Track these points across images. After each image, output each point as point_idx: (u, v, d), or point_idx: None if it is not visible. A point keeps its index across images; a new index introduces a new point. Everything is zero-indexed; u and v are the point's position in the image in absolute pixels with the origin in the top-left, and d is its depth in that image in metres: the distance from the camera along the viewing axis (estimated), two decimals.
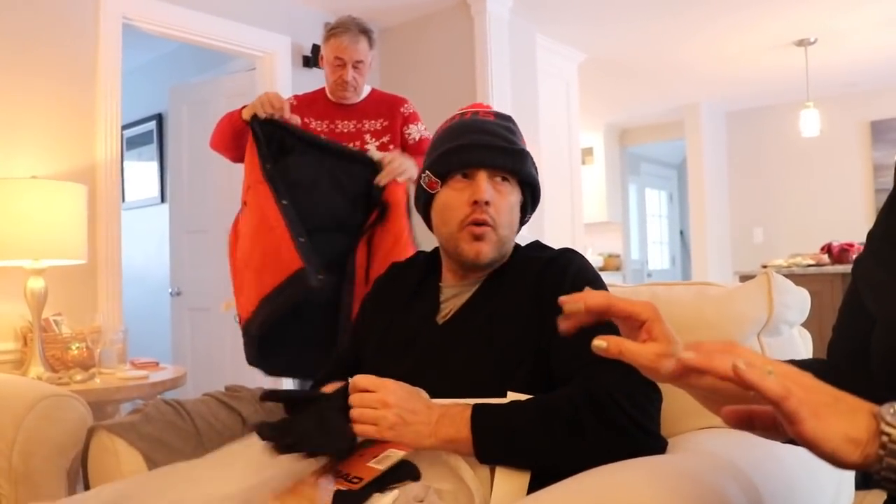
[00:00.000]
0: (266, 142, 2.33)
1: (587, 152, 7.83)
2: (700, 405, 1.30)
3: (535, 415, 1.11)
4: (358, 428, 1.11)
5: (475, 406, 1.13)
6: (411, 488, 1.05)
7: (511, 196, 1.36)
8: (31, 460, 1.93)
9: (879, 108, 6.81)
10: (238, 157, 2.61)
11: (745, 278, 5.41)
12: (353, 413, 1.12)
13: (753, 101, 7.30)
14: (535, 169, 1.41)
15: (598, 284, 1.31)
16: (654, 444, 1.12)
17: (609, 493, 0.89)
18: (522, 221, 1.44)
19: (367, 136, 2.71)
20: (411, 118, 2.77)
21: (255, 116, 2.33)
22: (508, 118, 1.44)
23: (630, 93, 6.94)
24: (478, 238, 1.34)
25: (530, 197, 1.42)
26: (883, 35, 5.27)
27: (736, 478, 0.98)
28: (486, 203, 1.32)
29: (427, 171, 1.40)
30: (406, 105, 2.79)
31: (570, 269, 1.31)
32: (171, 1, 3.65)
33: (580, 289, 1.26)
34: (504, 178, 1.36)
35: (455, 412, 1.12)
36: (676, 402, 1.29)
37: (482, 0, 4.22)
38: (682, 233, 9.96)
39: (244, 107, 2.42)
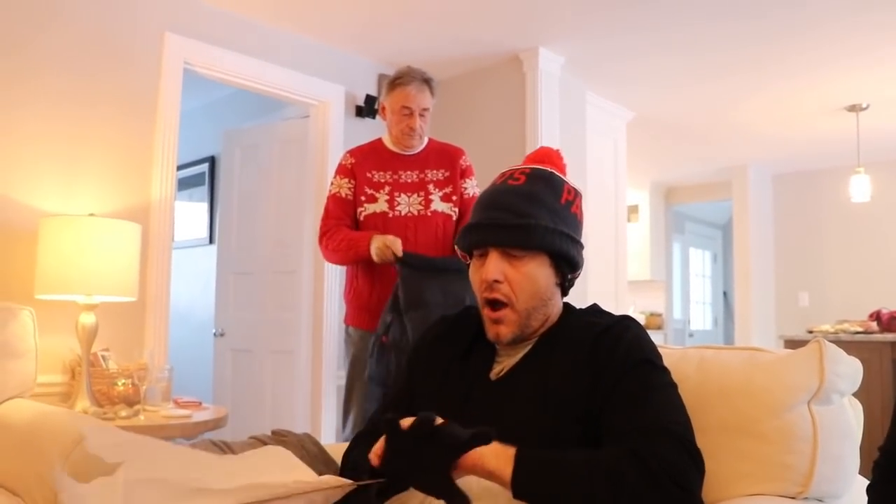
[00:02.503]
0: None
1: (632, 209, 7.82)
2: (740, 472, 1.30)
3: (579, 465, 1.11)
4: None
5: (520, 447, 1.13)
6: None
7: (528, 266, 1.35)
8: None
9: None
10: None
11: (789, 343, 5.34)
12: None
13: (802, 164, 7.25)
14: (554, 231, 1.37)
15: (653, 354, 1.31)
16: None
17: None
18: (565, 283, 1.44)
19: (431, 186, 2.76)
20: (468, 172, 2.84)
21: (401, 261, 2.55)
22: (544, 178, 1.41)
23: (677, 152, 6.95)
24: (495, 322, 1.38)
25: (564, 261, 1.39)
26: None
27: None
28: (497, 281, 1.34)
29: (456, 246, 1.46)
30: (464, 157, 2.86)
31: (626, 337, 1.32)
32: (231, 48, 3.77)
33: (632, 358, 1.27)
34: (522, 250, 1.35)
35: (500, 449, 1.12)
36: (721, 467, 1.28)
37: (534, 56, 4.28)
38: (725, 294, 9.85)
39: (363, 240, 2.65)
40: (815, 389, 1.30)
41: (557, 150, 1.51)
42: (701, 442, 1.18)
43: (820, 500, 1.29)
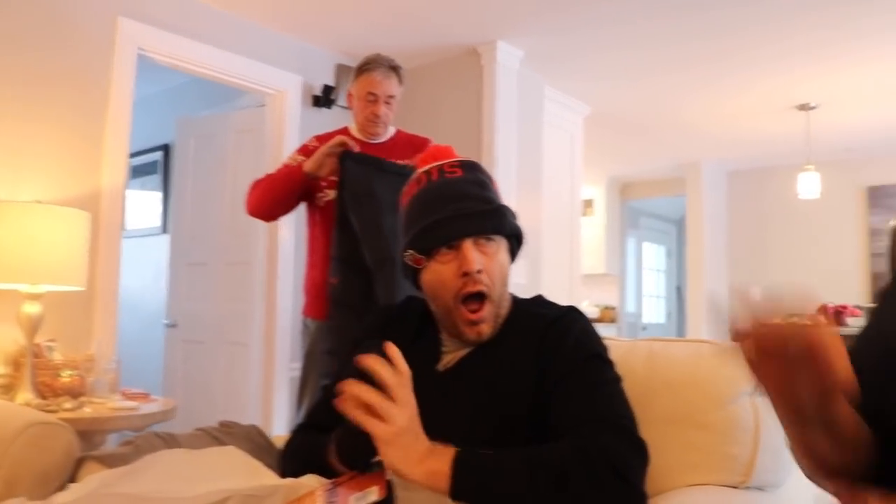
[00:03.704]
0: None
1: (588, 204, 7.89)
2: (685, 463, 1.32)
3: (521, 463, 1.10)
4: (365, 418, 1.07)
5: (459, 449, 1.11)
6: None
7: (499, 254, 1.34)
8: (16, 488, 1.89)
9: (877, 174, 6.90)
10: (279, 217, 2.81)
11: None
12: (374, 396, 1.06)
13: (754, 161, 7.39)
14: (513, 213, 1.38)
15: (600, 347, 1.32)
16: (636, 500, 1.11)
17: None
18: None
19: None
20: None
21: (345, 154, 2.49)
22: (475, 167, 1.40)
23: (633, 148, 7.02)
24: (476, 323, 1.33)
25: (516, 243, 1.41)
26: (882, 103, 5.35)
27: None
28: (479, 272, 1.30)
29: (410, 250, 1.36)
30: (431, 145, 2.82)
31: (574, 330, 1.32)
32: (186, 34, 3.70)
33: (581, 352, 1.28)
34: (489, 238, 1.33)
35: (441, 449, 1.10)
36: (667, 458, 1.30)
37: (493, 50, 4.29)
38: (678, 288, 9.98)
39: (296, 164, 2.60)
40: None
41: (449, 147, 1.47)
42: (647, 433, 1.18)
43: (760, 489, 1.31)
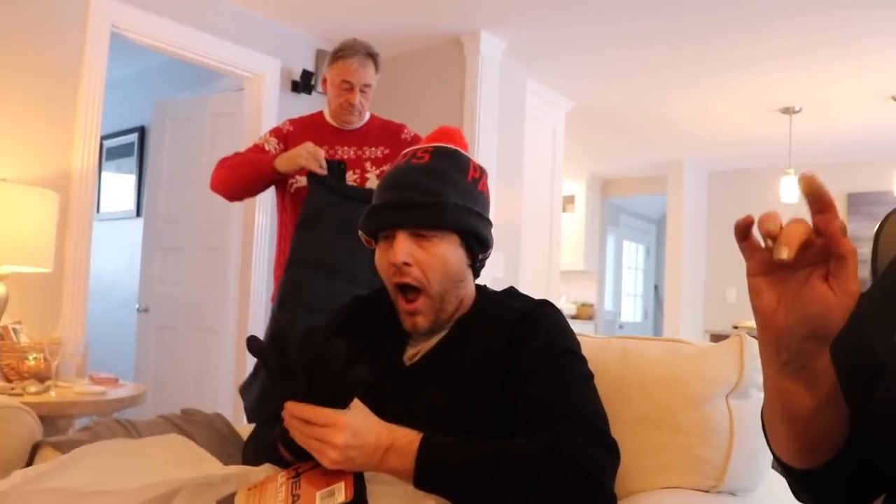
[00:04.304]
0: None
1: (568, 200, 7.88)
2: (656, 465, 1.30)
3: (488, 458, 1.08)
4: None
5: (425, 437, 1.09)
6: None
7: (439, 248, 1.30)
8: None
9: (857, 180, 6.91)
10: (242, 199, 2.79)
11: (715, 337, 5.42)
12: (298, 440, 1.07)
13: (736, 163, 7.40)
14: (475, 209, 1.34)
15: (572, 342, 1.29)
16: (605, 501, 1.09)
17: None
18: (475, 264, 1.39)
19: (368, 164, 2.68)
20: (414, 140, 2.73)
21: (313, 175, 2.42)
22: (448, 156, 1.36)
23: (615, 144, 7.01)
24: (411, 314, 1.32)
25: (474, 240, 1.34)
26: (865, 109, 5.37)
27: None
28: (406, 264, 1.28)
29: (360, 231, 1.37)
30: (406, 131, 2.77)
31: (545, 324, 1.29)
32: (162, 14, 3.63)
33: (552, 347, 1.25)
34: (428, 231, 1.29)
35: (403, 444, 1.08)
36: (638, 459, 1.27)
37: (476, 40, 4.25)
38: (656, 287, 10.01)
39: (267, 157, 2.54)
40: (733, 383, 1.30)
41: (458, 129, 1.46)
42: (618, 433, 1.16)
43: (733, 494, 1.29)
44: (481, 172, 1.39)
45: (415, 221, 1.29)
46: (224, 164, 2.65)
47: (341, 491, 1.07)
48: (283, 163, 2.49)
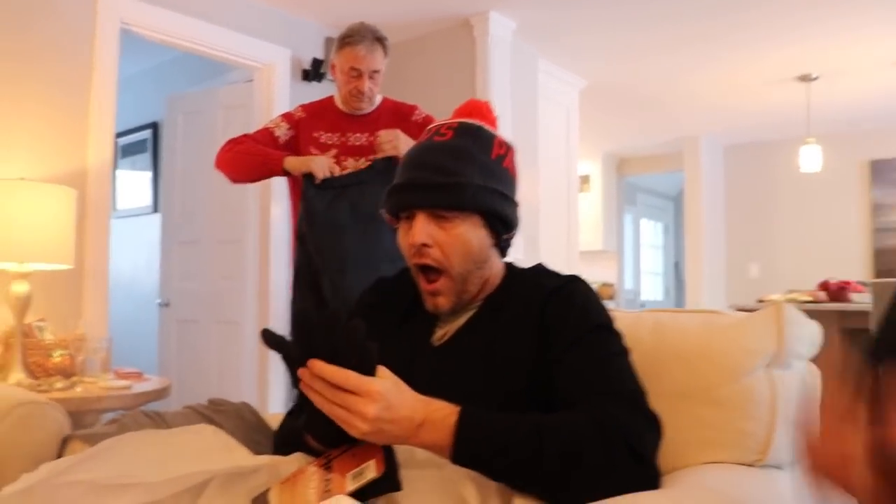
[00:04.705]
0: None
1: (584, 180, 7.82)
2: (697, 440, 1.26)
3: (529, 432, 1.04)
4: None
5: (463, 410, 1.05)
6: None
7: (459, 228, 1.26)
8: (6, 469, 1.85)
9: (880, 147, 6.81)
10: (244, 183, 2.78)
11: (741, 311, 5.35)
12: (324, 408, 1.02)
13: (753, 135, 7.31)
14: (499, 189, 1.29)
15: (606, 317, 1.25)
16: (649, 476, 1.06)
17: None
18: (501, 243, 1.35)
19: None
20: (427, 121, 2.70)
21: (310, 179, 2.45)
22: (471, 132, 1.31)
23: (630, 122, 6.94)
24: (432, 294, 1.29)
25: (497, 221, 1.30)
26: (885, 75, 5.27)
27: None
28: (425, 245, 1.25)
29: (383, 209, 1.35)
30: (417, 112, 2.74)
31: (578, 300, 1.25)
32: (170, 8, 3.61)
33: (587, 322, 1.22)
34: (448, 212, 1.26)
35: (439, 417, 1.04)
36: (677, 434, 1.24)
37: (485, 21, 4.20)
38: (676, 264, 9.95)
39: (278, 154, 2.56)
40: (773, 353, 1.27)
41: (486, 103, 1.41)
42: (656, 408, 1.13)
43: (778, 468, 1.25)
44: (507, 149, 1.35)
45: (433, 202, 1.25)
46: (233, 147, 2.63)
47: (371, 468, 1.04)
48: (293, 164, 2.49)
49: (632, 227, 9.06)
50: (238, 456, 1.19)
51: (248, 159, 2.58)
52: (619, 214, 8.59)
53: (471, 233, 1.27)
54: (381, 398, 1.00)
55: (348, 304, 2.27)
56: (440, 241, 1.26)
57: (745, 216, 7.63)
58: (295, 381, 1.07)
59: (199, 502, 1.11)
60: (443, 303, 1.29)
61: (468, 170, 1.26)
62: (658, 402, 1.15)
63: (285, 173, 2.52)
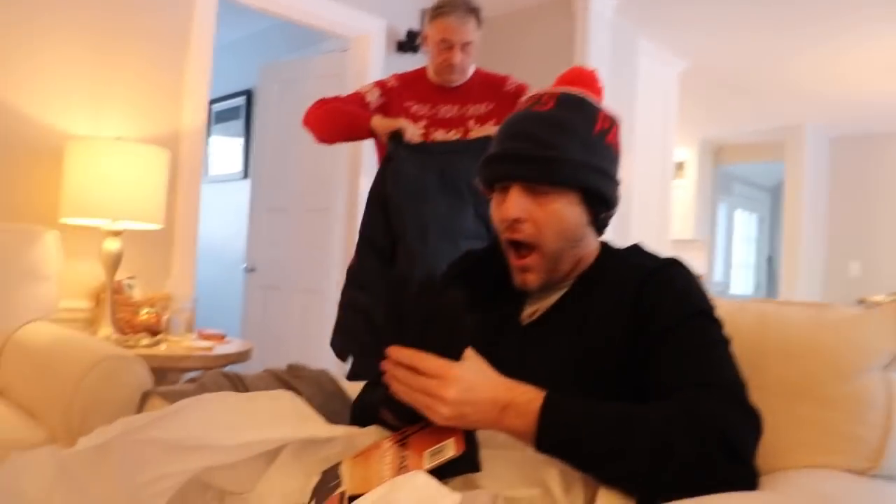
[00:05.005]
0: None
1: (679, 166, 7.58)
2: (799, 441, 1.17)
3: (619, 422, 0.98)
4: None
5: (548, 396, 1.00)
6: (476, 496, 0.93)
7: (555, 204, 1.19)
8: (90, 420, 1.90)
9: None
10: (332, 143, 2.74)
11: None
12: (406, 396, 1.01)
13: (863, 126, 6.93)
14: (600, 165, 1.22)
15: (707, 304, 1.17)
16: (747, 476, 0.97)
17: None
18: (598, 222, 1.28)
19: (471, 122, 2.60)
20: (520, 91, 2.63)
21: (397, 139, 2.40)
22: (574, 104, 1.23)
23: (731, 108, 6.66)
24: (522, 270, 1.23)
25: (596, 199, 1.23)
26: None
27: None
28: (518, 221, 1.19)
29: (477, 179, 1.29)
30: (510, 82, 2.66)
31: (678, 283, 1.18)
32: None
33: (687, 308, 1.14)
34: (543, 186, 1.19)
35: (523, 402, 1.00)
36: (777, 433, 1.14)
37: None
38: (769, 259, 9.60)
39: (367, 114, 2.52)
40: (893, 354, 1.15)
41: (592, 71, 1.33)
42: (756, 402, 1.04)
43: (893, 479, 1.14)
44: (611, 123, 1.26)
45: (529, 176, 1.19)
46: (323, 105, 2.62)
47: (450, 447, 1.00)
48: (380, 122, 2.45)
49: (725, 218, 8.76)
50: (313, 425, 1.16)
51: (335, 116, 2.56)
52: (714, 204, 8.31)
53: (567, 210, 1.20)
54: (462, 381, 0.97)
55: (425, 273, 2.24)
56: (534, 216, 1.20)
57: (848, 211, 7.27)
58: (374, 347, 1.04)
59: (271, 469, 1.09)
60: (532, 280, 1.23)
61: (568, 144, 1.19)
62: (758, 397, 1.06)
63: (371, 134, 2.49)
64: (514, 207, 1.19)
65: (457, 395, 0.97)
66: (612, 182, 1.26)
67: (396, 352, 0.99)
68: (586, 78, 1.31)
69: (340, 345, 2.27)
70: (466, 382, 0.98)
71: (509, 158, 1.21)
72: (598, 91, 1.30)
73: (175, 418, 1.06)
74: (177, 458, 1.01)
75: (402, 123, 2.42)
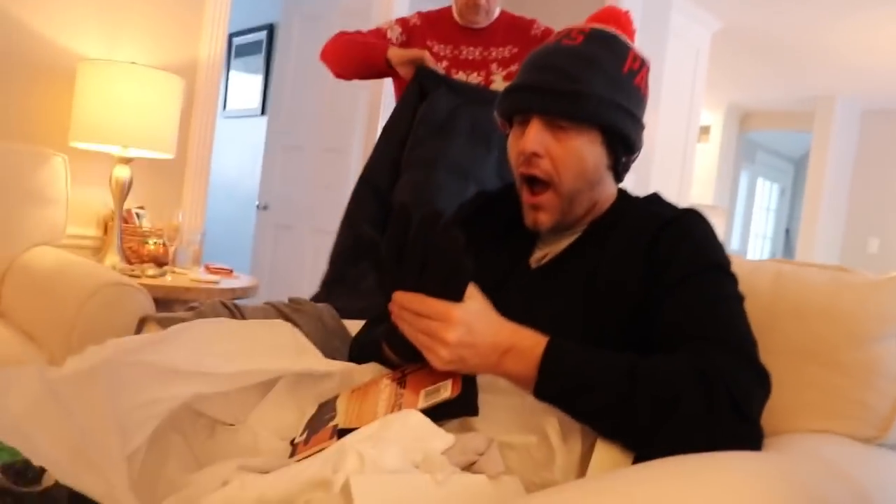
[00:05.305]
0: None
1: (703, 130, 7.45)
2: (806, 404, 1.13)
3: (623, 371, 0.94)
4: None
5: (551, 341, 0.97)
6: (470, 438, 0.91)
7: (576, 141, 1.14)
8: (89, 344, 1.89)
9: None
10: (350, 78, 2.64)
11: None
12: (409, 335, 0.98)
13: (894, 101, 6.76)
14: (625, 105, 1.17)
15: (722, 257, 1.12)
16: (751, 435, 0.94)
17: (716, 479, 0.73)
18: (618, 167, 1.22)
19: (494, 66, 2.53)
20: (546, 35, 2.55)
21: (421, 71, 2.32)
22: (604, 40, 1.19)
23: (761, 73, 6.51)
24: (534, 208, 1.19)
25: (619, 140, 1.18)
26: None
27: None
28: (536, 155, 1.15)
29: (495, 112, 1.24)
30: (536, 25, 2.58)
31: (695, 233, 1.13)
32: None
33: (702, 259, 1.09)
34: (565, 121, 1.14)
35: (525, 347, 0.96)
36: (784, 394, 1.11)
37: None
38: (787, 231, 9.49)
39: (383, 44, 2.44)
40: None
41: (627, 12, 1.27)
42: (765, 361, 1.00)
43: None
44: (641, 64, 1.21)
45: (551, 109, 1.14)
46: (340, 37, 2.56)
47: (447, 388, 0.98)
48: (395, 54, 2.38)
49: (746, 186, 8.64)
50: (310, 358, 1.13)
51: (352, 47, 2.50)
52: (736, 171, 8.19)
53: (587, 148, 1.16)
54: (463, 324, 0.94)
55: (423, 202, 2.20)
56: (553, 152, 1.15)
57: (871, 187, 7.13)
58: (380, 282, 1.00)
59: (264, 400, 1.07)
60: (544, 219, 1.19)
61: (595, 79, 1.14)
62: (767, 357, 1.01)
63: (387, 66, 2.42)
64: (532, 141, 1.15)
65: (457, 338, 0.94)
66: (637, 124, 1.21)
67: (401, 297, 0.97)
68: (619, 17, 1.25)
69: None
70: (467, 325, 0.95)
71: (531, 90, 1.16)
72: (630, 32, 1.24)
73: (168, 343, 1.03)
74: (168, 383, 0.98)
75: (419, 53, 2.35)
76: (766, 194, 9.35)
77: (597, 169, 1.18)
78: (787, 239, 9.45)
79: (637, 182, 4.17)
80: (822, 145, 6.94)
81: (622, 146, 1.19)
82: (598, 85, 1.14)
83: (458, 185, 2.22)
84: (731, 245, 8.28)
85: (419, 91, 2.34)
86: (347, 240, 2.37)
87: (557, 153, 1.15)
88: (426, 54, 2.35)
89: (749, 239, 8.87)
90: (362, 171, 2.46)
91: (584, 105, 1.13)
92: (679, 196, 4.95)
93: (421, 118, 2.32)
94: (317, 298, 2.19)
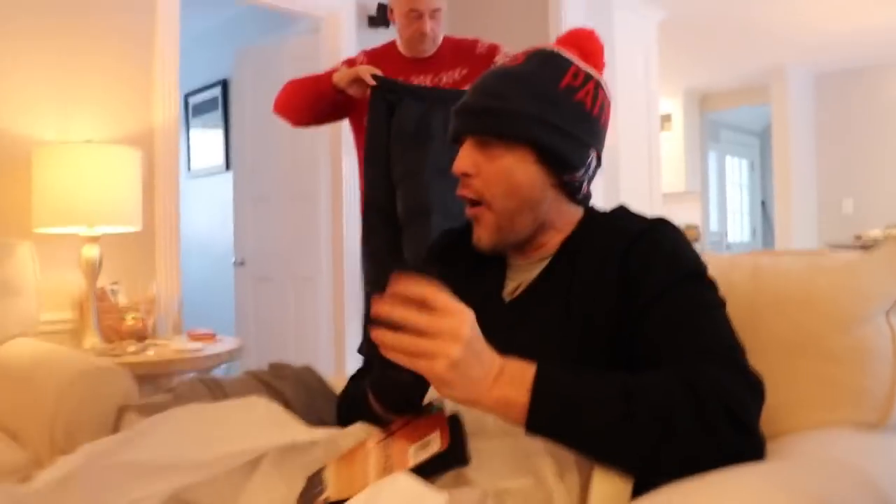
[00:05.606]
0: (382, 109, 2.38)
1: (665, 119, 7.50)
2: (802, 399, 1.12)
3: (614, 392, 0.90)
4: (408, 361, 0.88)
5: (541, 365, 0.92)
6: (464, 494, 0.88)
7: (505, 159, 1.13)
8: (75, 438, 1.84)
9: None
10: (307, 122, 2.67)
11: (836, 250, 5.09)
12: (408, 339, 0.87)
13: (845, 62, 6.84)
14: (557, 122, 1.13)
15: (698, 265, 1.09)
16: (752, 446, 0.91)
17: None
18: (566, 184, 1.18)
19: None
20: (492, 52, 2.57)
21: (375, 89, 2.34)
22: (543, 59, 1.17)
23: (711, 55, 6.58)
24: (473, 219, 1.20)
25: (550, 156, 1.14)
26: None
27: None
28: (466, 175, 1.16)
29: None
30: (480, 45, 2.59)
31: (665, 246, 1.10)
32: None
33: (676, 271, 1.06)
34: (490, 140, 1.14)
35: (516, 369, 0.92)
36: (778, 392, 1.08)
37: None
38: (763, 203, 9.55)
39: (330, 72, 2.48)
40: (894, 297, 1.10)
41: (591, 32, 1.24)
42: (754, 364, 0.98)
43: None
44: (584, 80, 1.17)
45: (476, 128, 1.16)
46: (288, 84, 2.59)
47: (436, 440, 0.95)
48: (339, 76, 2.40)
49: (716, 166, 8.69)
50: (292, 430, 1.10)
51: (300, 87, 2.54)
52: (703, 153, 8.24)
53: (518, 167, 1.14)
54: (467, 340, 0.87)
55: (425, 209, 2.20)
56: (484, 171, 1.15)
57: (837, 149, 7.20)
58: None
59: (252, 479, 1.04)
60: (482, 235, 1.19)
61: (519, 95, 1.13)
62: (755, 355, 1.00)
63: (337, 92, 2.42)
64: (461, 161, 1.17)
65: (459, 355, 0.86)
66: (573, 141, 1.16)
67: (402, 283, 0.89)
68: (581, 37, 1.24)
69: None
70: (469, 345, 0.88)
71: (463, 112, 1.18)
72: (595, 51, 1.23)
73: (143, 438, 1.00)
74: (149, 480, 0.96)
75: (362, 68, 2.37)
76: (737, 171, 9.41)
77: (532, 188, 1.15)
78: (764, 211, 9.50)
79: (607, 181, 4.18)
80: (781, 115, 7.01)
81: (558, 164, 1.16)
82: (522, 101, 1.13)
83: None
84: (711, 226, 8.32)
85: (387, 108, 2.35)
86: (371, 273, 2.36)
87: (487, 171, 1.15)
88: (368, 66, 2.37)
89: (727, 217, 8.91)
90: (363, 197, 2.46)
91: (506, 122, 1.13)
92: (650, 187, 4.95)
93: (394, 136, 2.34)
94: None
